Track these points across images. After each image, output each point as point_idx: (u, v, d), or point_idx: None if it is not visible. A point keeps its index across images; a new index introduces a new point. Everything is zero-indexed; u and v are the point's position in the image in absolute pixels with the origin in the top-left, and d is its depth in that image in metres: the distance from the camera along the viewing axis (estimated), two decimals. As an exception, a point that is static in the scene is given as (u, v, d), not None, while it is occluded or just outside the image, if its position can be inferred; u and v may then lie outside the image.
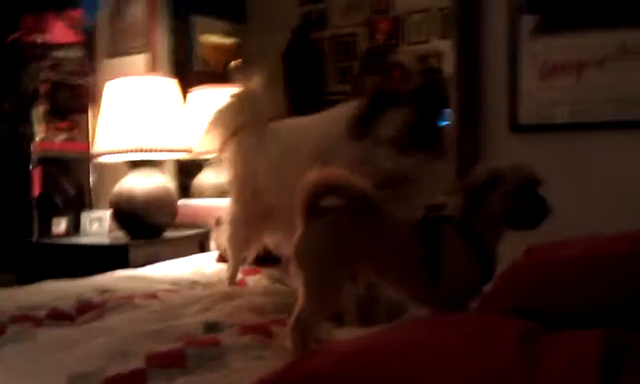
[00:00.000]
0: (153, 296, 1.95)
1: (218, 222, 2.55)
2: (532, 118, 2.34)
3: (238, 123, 2.13)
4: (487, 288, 1.38)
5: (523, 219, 1.35)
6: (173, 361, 1.30)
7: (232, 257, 2.17)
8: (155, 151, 2.76)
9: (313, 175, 1.38)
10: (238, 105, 2.16)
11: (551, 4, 2.30)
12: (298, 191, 1.39)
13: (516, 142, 2.36)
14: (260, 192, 2.00)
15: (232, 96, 2.19)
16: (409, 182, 1.63)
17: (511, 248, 1.46)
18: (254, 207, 2.04)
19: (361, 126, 1.65)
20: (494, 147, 2.41)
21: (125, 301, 1.86)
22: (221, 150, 2.19)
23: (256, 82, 2.14)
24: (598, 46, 2.21)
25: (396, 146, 1.60)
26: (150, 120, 2.76)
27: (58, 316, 1.71)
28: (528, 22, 2.32)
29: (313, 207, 1.38)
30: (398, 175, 1.60)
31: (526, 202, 1.35)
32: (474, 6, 2.44)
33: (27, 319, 1.65)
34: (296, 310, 1.36)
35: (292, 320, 1.36)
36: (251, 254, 2.20)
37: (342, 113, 1.78)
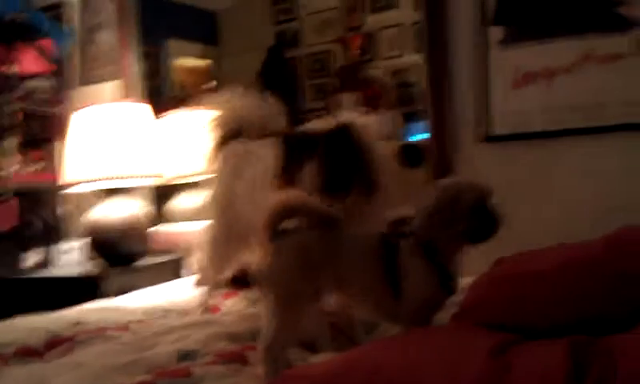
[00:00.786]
0: (124, 327, 1.91)
1: (196, 245, 2.52)
2: (504, 128, 2.35)
3: (224, 136, 2.12)
4: (453, 301, 1.38)
5: (478, 235, 1.38)
6: (142, 394, 1.28)
7: (209, 275, 2.14)
8: (126, 178, 2.73)
9: (275, 199, 1.38)
10: (224, 119, 2.15)
11: (517, 15, 2.32)
12: (261, 215, 1.39)
13: (490, 153, 2.37)
14: (240, 211, 1.99)
15: (221, 109, 2.17)
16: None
17: (482, 257, 1.46)
18: (234, 225, 2.01)
19: (283, 176, 1.64)
20: (467, 158, 2.42)
21: (95, 334, 1.82)
22: (206, 163, 2.17)
23: (248, 98, 2.14)
24: (566, 54, 2.23)
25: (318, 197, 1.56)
26: (120, 147, 2.72)
27: (26, 353, 1.67)
28: (496, 33, 2.34)
29: (276, 230, 1.38)
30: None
31: (479, 220, 1.37)
32: (442, 20, 2.46)
33: (-6, 357, 1.61)
34: (263, 336, 1.35)
35: (260, 346, 1.34)
36: (229, 273, 2.18)
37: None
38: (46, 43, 3.45)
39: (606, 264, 1.18)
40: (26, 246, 3.18)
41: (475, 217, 1.37)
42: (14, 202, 3.20)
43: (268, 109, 2.13)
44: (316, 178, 1.57)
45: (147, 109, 2.91)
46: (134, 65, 3.40)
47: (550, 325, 1.16)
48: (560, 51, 2.24)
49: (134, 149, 2.76)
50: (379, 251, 1.39)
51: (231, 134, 2.12)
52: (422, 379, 0.98)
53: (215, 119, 2.17)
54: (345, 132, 1.64)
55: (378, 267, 1.37)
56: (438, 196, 1.39)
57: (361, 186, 1.60)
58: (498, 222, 1.38)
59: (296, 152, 1.63)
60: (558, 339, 1.03)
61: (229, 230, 2.03)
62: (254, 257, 2.06)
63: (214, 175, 2.13)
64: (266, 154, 1.98)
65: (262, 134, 2.13)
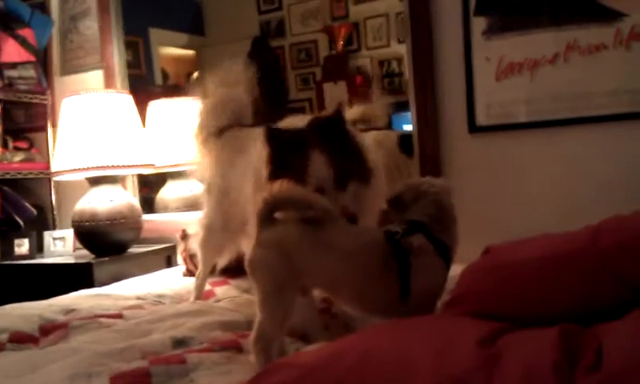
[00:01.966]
0: (118, 315, 1.93)
1: (184, 236, 2.54)
2: (489, 119, 2.37)
3: (220, 125, 2.14)
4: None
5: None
6: (137, 380, 1.30)
7: (203, 263, 2.16)
8: (116, 168, 2.73)
9: (272, 188, 1.38)
10: (220, 107, 2.16)
11: (499, 6, 2.33)
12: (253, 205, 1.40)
13: (475, 144, 2.39)
14: (237, 198, 1.99)
15: (213, 98, 2.19)
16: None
17: (470, 245, 1.50)
18: (231, 213, 2.03)
19: (275, 174, 1.59)
20: (453, 149, 2.44)
21: (89, 320, 1.84)
22: (200, 151, 2.18)
23: (236, 87, 2.15)
24: (549, 45, 2.25)
25: (332, 191, 1.56)
26: (109, 136, 2.73)
27: (21, 339, 1.69)
28: (479, 24, 2.35)
29: (267, 220, 1.39)
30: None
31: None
32: (425, 10, 2.46)
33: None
34: (255, 323, 1.37)
35: (252, 334, 1.36)
36: (223, 262, 2.20)
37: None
38: (27, 32, 3.42)
39: (590, 256, 1.20)
40: (18, 234, 3.18)
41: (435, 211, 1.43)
42: (-3, 192, 3.18)
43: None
44: (324, 171, 1.56)
45: (129, 98, 2.91)
46: (116, 54, 3.38)
47: (537, 313, 1.18)
48: (543, 42, 2.26)
49: (124, 138, 2.77)
50: (385, 248, 1.39)
51: (227, 123, 2.13)
52: (412, 365, 1.00)
53: (208, 109, 2.18)
54: (336, 122, 1.65)
55: (387, 264, 1.38)
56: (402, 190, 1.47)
57: (358, 175, 1.62)
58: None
59: (286, 148, 1.61)
60: (548, 328, 1.05)
61: (225, 218, 2.05)
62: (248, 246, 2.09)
63: (209, 164, 2.14)
64: (257, 144, 1.99)
65: (255, 122, 2.15)
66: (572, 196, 2.20)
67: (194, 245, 2.23)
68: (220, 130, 2.12)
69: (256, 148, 1.79)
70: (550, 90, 2.26)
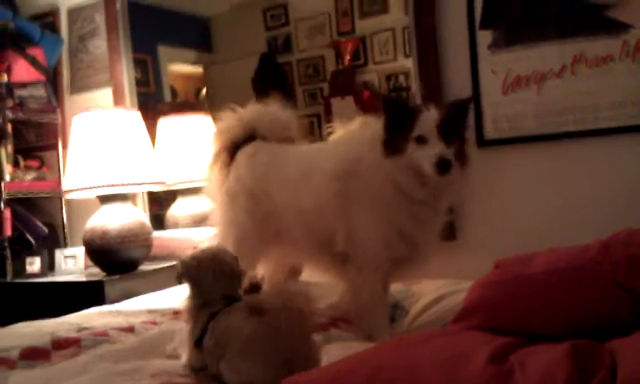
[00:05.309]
0: (129, 331, 1.93)
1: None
2: (497, 132, 2.37)
3: (235, 140, 2.17)
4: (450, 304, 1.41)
5: None
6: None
7: None
8: (126, 185, 2.75)
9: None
10: (236, 123, 2.19)
11: (504, 20, 2.33)
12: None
13: (483, 158, 2.37)
14: (273, 212, 2.02)
15: (230, 115, 2.23)
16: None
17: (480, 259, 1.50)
18: (264, 228, 2.04)
19: (390, 144, 1.73)
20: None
21: (100, 338, 1.84)
22: (216, 166, 2.21)
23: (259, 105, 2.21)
24: (556, 58, 2.25)
25: (439, 139, 1.67)
26: (119, 154, 2.75)
27: (32, 355, 1.69)
28: (485, 37, 2.36)
29: None
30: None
31: None
32: (431, 25, 2.48)
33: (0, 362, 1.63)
34: None
35: None
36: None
37: (353, 135, 1.95)
38: (37, 52, 3.46)
39: (601, 269, 1.19)
40: (30, 252, 3.20)
41: None
42: (9, 210, 3.20)
43: (283, 114, 2.18)
44: (431, 122, 1.69)
45: (138, 116, 2.93)
46: (125, 72, 3.42)
47: (547, 327, 1.17)
48: (550, 55, 2.26)
49: (135, 155, 2.80)
50: None
51: (242, 139, 2.15)
52: (423, 382, 1.00)
53: (221, 127, 2.20)
54: (461, 105, 1.81)
55: None
56: None
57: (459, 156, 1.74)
58: None
59: (399, 113, 1.73)
60: (559, 343, 1.04)
61: (259, 231, 2.06)
62: (291, 256, 2.11)
63: (230, 175, 2.15)
64: (303, 154, 2.06)
65: (280, 137, 2.17)
66: (581, 209, 2.19)
67: None
68: (233, 146, 2.15)
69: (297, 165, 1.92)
70: (557, 102, 2.26)
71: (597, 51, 2.19)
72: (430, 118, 1.70)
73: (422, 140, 1.68)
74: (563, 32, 2.24)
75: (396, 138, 1.72)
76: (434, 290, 2.06)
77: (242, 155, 2.16)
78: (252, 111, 2.22)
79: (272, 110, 2.21)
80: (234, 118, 2.23)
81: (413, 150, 1.69)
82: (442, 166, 1.63)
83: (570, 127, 2.23)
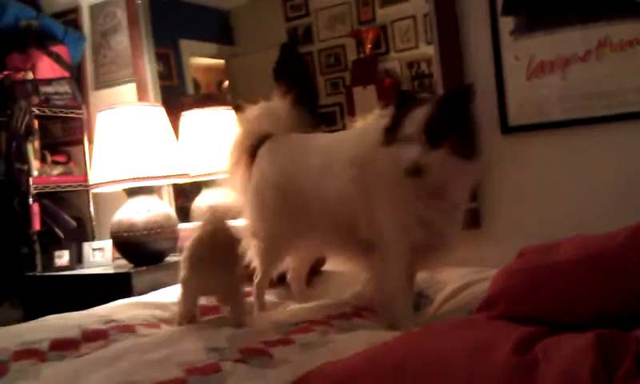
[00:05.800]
0: (156, 324, 1.96)
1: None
2: (521, 118, 2.35)
3: (261, 135, 2.18)
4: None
5: None
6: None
7: (263, 273, 2.16)
8: (152, 178, 2.78)
9: None
10: (262, 117, 2.20)
11: (526, 5, 2.31)
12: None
13: (507, 144, 2.37)
14: (301, 204, 2.03)
15: (255, 109, 2.23)
16: (439, 177, 1.67)
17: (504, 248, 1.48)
18: (292, 220, 2.06)
19: (390, 133, 1.73)
20: (486, 150, 2.41)
21: (128, 330, 1.87)
22: (239, 163, 2.22)
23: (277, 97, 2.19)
24: (580, 42, 2.23)
25: (419, 142, 1.64)
26: (144, 148, 2.78)
27: (62, 346, 1.72)
28: (506, 24, 2.34)
29: None
30: (426, 169, 1.64)
31: None
32: (452, 12, 2.46)
33: (30, 354, 1.65)
34: None
35: None
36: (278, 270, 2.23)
37: (371, 123, 1.92)
38: (61, 49, 3.50)
39: (629, 255, 1.18)
40: (58, 246, 3.26)
41: None
42: (37, 205, 3.26)
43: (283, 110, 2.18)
44: (420, 124, 1.64)
45: (161, 110, 2.96)
46: (148, 67, 3.45)
47: (572, 315, 1.17)
48: (574, 40, 2.23)
49: (160, 148, 2.83)
50: None
51: (264, 135, 2.16)
52: (448, 371, 1.01)
53: (244, 122, 2.21)
54: (460, 95, 1.76)
55: None
56: None
57: (460, 147, 1.67)
58: None
59: (402, 105, 1.73)
60: (584, 333, 1.03)
61: (290, 223, 2.07)
62: (317, 245, 2.13)
63: (254, 171, 2.16)
64: (324, 143, 2.07)
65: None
66: (608, 195, 2.17)
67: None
68: (265, 137, 2.17)
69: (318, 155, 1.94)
70: (582, 87, 2.23)
71: (622, 35, 2.16)
72: (416, 117, 1.66)
73: (406, 138, 1.67)
74: (586, 16, 2.21)
75: (394, 130, 1.72)
76: (458, 278, 2.06)
77: (265, 150, 2.17)
78: (256, 111, 2.22)
79: (274, 106, 2.20)
80: (247, 122, 2.24)
81: (397, 147, 1.68)
82: (412, 172, 1.62)
83: (596, 112, 2.21)
